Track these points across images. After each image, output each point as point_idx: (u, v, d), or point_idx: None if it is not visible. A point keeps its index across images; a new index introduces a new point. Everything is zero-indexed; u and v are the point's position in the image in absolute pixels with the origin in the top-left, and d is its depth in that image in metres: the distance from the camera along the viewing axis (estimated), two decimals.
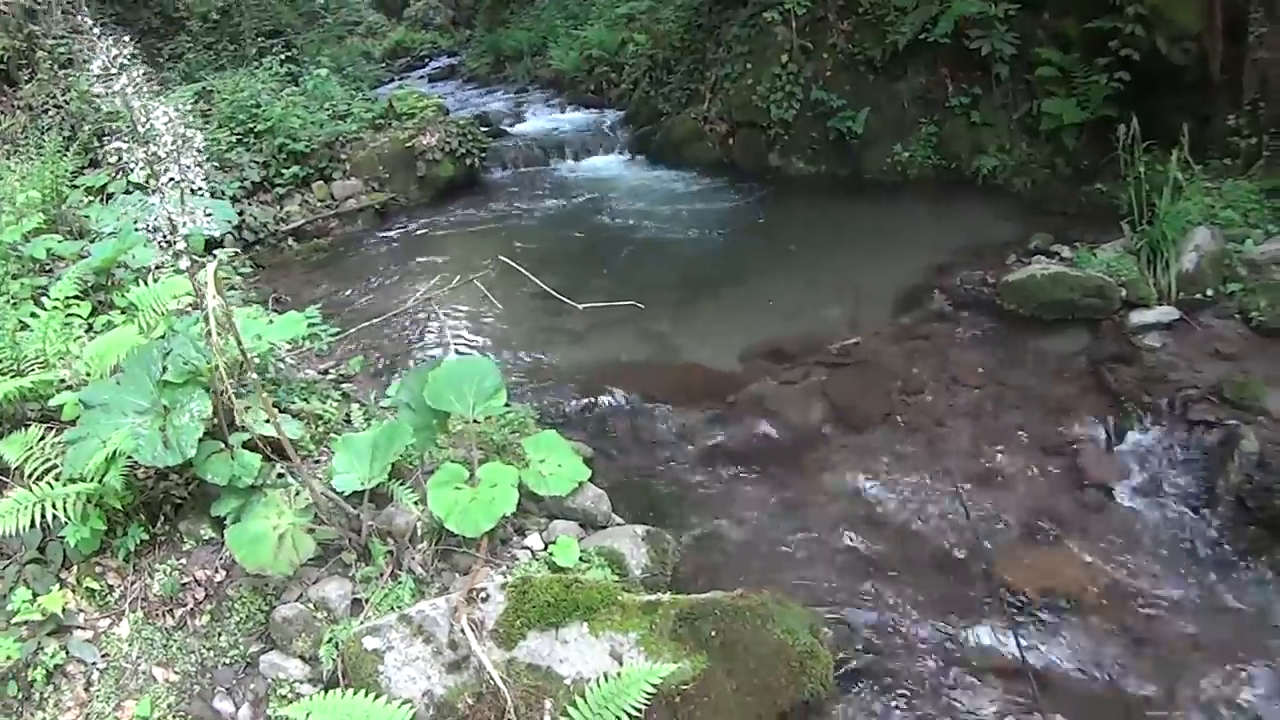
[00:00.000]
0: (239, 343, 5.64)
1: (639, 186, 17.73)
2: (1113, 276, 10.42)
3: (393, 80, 29.42)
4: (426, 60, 35.08)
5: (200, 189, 4.99)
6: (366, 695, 4.84)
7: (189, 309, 7.51)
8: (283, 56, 20.18)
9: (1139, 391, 8.94)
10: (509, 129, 21.56)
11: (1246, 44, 12.04)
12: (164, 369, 5.88)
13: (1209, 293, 10.11)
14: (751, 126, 17.64)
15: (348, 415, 7.68)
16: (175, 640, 5.91)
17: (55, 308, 7.46)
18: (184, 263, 5.13)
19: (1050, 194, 14.15)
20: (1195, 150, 11.43)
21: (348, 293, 13.10)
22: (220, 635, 5.96)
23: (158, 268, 8.27)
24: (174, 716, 5.64)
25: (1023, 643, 6.60)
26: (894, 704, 6.18)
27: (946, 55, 15.67)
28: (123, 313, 7.80)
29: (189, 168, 4.88)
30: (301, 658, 5.78)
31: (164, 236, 4.93)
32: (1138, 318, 9.99)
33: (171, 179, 4.84)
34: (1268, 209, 11.16)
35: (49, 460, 6.10)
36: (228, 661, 5.87)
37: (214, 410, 5.86)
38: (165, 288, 7.64)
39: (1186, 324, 9.78)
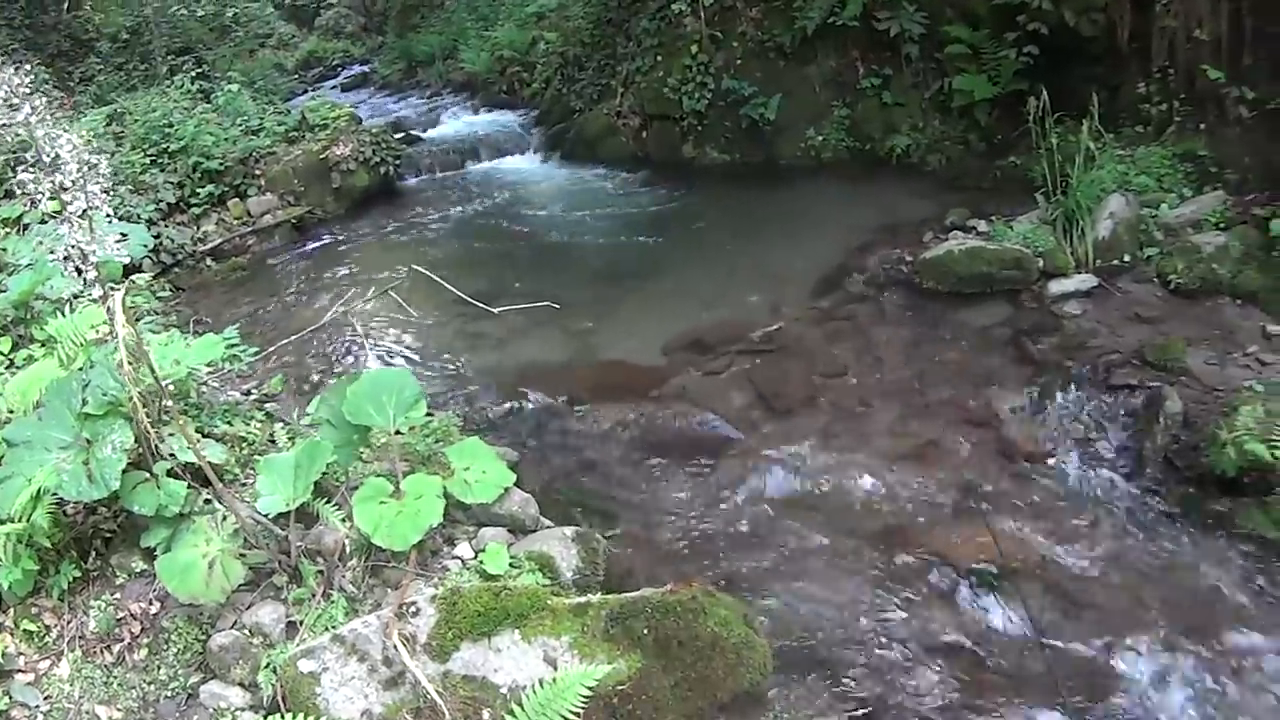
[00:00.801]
0: (152, 370, 5.59)
1: (554, 185, 17.72)
2: (1030, 248, 10.54)
3: (306, 91, 29.17)
4: (339, 69, 34.76)
5: (109, 215, 4.95)
6: (306, 719, 4.81)
7: (108, 338, 7.44)
8: (194, 73, 19.92)
9: (1062, 359, 9.08)
10: (423, 134, 21.38)
11: (1154, 13, 12.16)
12: (84, 401, 5.82)
13: (1126, 258, 10.28)
14: (664, 119, 17.63)
15: (272, 436, 7.59)
16: (115, 677, 5.83)
17: None
18: (97, 291, 5.09)
19: (964, 170, 14.28)
20: (1106, 119, 11.65)
21: (268, 310, 12.96)
22: (159, 668, 5.88)
23: (76, 297, 8.17)
24: None
25: (962, 617, 6.68)
26: (835, 686, 6.21)
27: (856, 37, 15.73)
28: (43, 346, 7.71)
29: (95, 194, 4.83)
30: (241, 685, 5.71)
31: (75, 266, 4.89)
32: (1057, 287, 10.12)
33: (81, 207, 4.80)
34: (1181, 173, 11.37)
35: None
36: (169, 694, 5.79)
37: (136, 440, 5.81)
38: (83, 318, 7.55)
39: (1105, 290, 9.93)
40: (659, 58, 17.64)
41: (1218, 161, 11.29)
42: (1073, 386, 8.74)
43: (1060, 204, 10.79)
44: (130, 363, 5.37)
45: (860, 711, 6.05)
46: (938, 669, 6.32)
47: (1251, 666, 6.17)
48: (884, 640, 6.57)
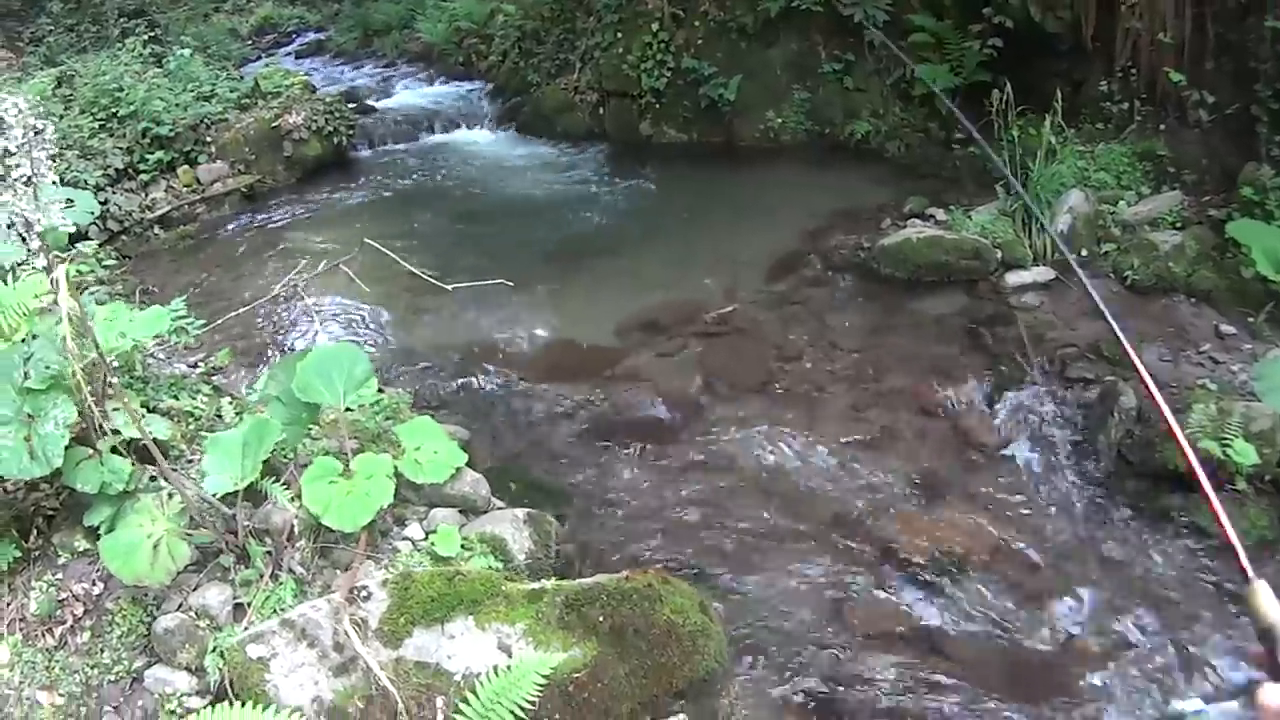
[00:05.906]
0: (96, 345, 5.46)
1: (509, 159, 17.55)
2: (988, 238, 10.55)
3: (259, 58, 28.59)
4: (294, 36, 34.15)
5: (54, 183, 4.81)
6: (255, 707, 4.67)
7: (51, 308, 7.27)
8: (146, 36, 19.48)
9: (1018, 351, 9.10)
10: (377, 104, 21.06)
11: (1119, 13, 12.20)
12: (26, 375, 5.68)
13: (1084, 253, 10.31)
14: (622, 96, 17.50)
15: (219, 410, 7.41)
16: (57, 661, 5.67)
17: None
18: (41, 260, 4.95)
19: (924, 158, 14.26)
20: (1068, 115, 11.71)
21: (216, 280, 12.73)
22: (103, 652, 5.72)
23: (20, 265, 7.98)
24: None
25: (915, 605, 6.67)
26: (791, 674, 6.22)
27: (819, 22, 15.64)
28: None
29: (41, 160, 4.69)
30: (188, 669, 5.57)
31: (19, 234, 4.75)
32: (1014, 278, 10.14)
33: (26, 173, 4.65)
34: (1140, 171, 11.46)
35: None
36: (113, 679, 5.64)
37: (80, 415, 5.67)
38: (26, 288, 7.33)
39: (1062, 284, 9.94)
40: (619, 34, 17.49)
41: (1176, 162, 11.36)
42: (1028, 378, 8.75)
43: (1020, 196, 10.74)
44: (73, 336, 5.25)
45: (816, 697, 6.05)
46: (893, 656, 6.35)
47: (1203, 660, 6.21)
48: (839, 627, 6.59)
